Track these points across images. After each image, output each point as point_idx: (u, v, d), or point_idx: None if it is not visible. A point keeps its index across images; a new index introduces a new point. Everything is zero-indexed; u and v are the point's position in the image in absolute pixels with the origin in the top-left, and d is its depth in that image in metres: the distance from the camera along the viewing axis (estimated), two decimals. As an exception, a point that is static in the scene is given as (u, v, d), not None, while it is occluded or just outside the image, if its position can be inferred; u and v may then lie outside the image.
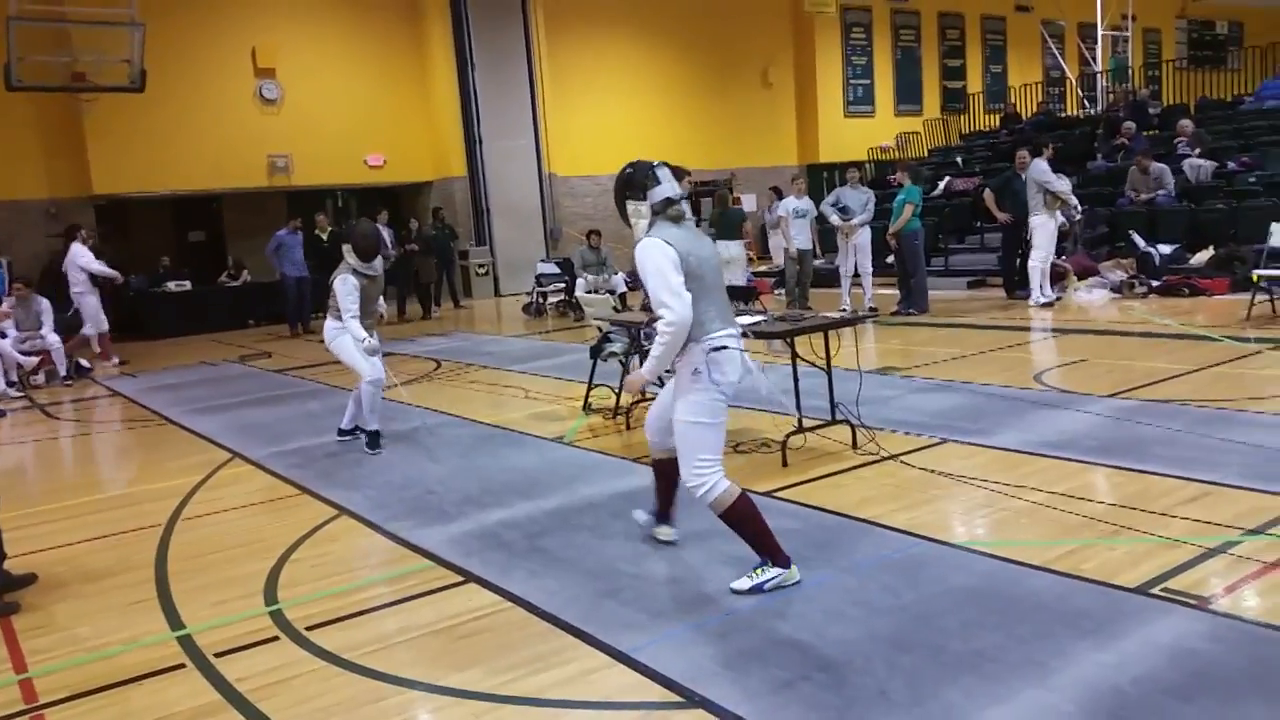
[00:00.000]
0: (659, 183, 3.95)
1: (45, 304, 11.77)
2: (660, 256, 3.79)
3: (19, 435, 8.85)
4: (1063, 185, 11.80)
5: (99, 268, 12.85)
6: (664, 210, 3.94)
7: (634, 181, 4.01)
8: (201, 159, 17.11)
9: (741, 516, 3.90)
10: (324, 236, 15.68)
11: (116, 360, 13.09)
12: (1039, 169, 11.74)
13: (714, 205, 14.12)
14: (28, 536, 5.34)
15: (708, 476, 3.85)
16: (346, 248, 6.73)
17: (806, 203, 12.68)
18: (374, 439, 6.82)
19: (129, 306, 16.15)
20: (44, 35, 14.60)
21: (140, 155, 16.55)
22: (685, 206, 4.06)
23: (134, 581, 4.64)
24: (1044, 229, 11.72)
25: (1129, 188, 14.12)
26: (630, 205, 4.02)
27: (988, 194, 12.91)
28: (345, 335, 6.72)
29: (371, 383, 6.72)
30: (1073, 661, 3.14)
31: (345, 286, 6.60)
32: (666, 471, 4.32)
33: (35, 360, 11.57)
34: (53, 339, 11.62)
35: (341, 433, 7.23)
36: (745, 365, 3.93)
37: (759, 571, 3.88)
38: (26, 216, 16.09)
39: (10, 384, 10.99)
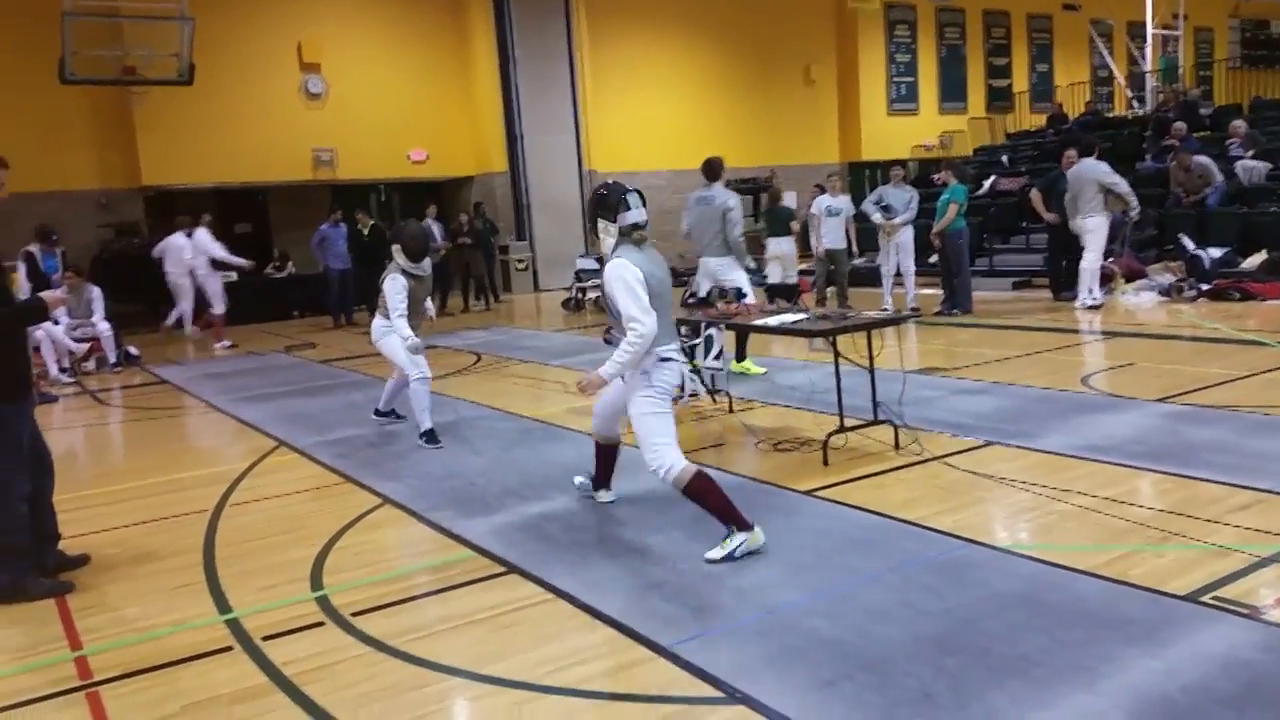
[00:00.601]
0: (629, 208, 4.44)
1: (96, 292, 12.03)
2: (630, 277, 4.26)
3: (70, 420, 9.03)
4: (1126, 185, 11.61)
5: (220, 253, 13.62)
6: (629, 234, 4.44)
7: (607, 204, 4.48)
8: (248, 152, 17.36)
9: (701, 491, 4.29)
10: (365, 231, 15.83)
11: (227, 343, 13.55)
12: (1100, 169, 11.49)
13: (766, 202, 14.15)
14: (80, 518, 5.46)
15: (664, 458, 4.28)
16: (396, 248, 6.78)
17: (841, 201, 12.55)
18: (431, 436, 6.76)
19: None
20: (97, 30, 14.89)
21: (188, 147, 16.82)
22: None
23: (183, 565, 4.72)
24: (1101, 230, 11.50)
25: (1174, 187, 13.87)
26: (601, 224, 4.50)
27: (1035, 194, 12.71)
28: (392, 334, 6.78)
29: (419, 380, 6.75)
30: (1121, 668, 3.10)
31: (394, 286, 6.68)
32: (606, 451, 5.11)
33: (86, 347, 11.82)
34: (103, 326, 11.86)
35: (378, 413, 7.49)
36: (683, 373, 4.54)
37: (727, 541, 4.23)
38: (78, 206, 16.40)
39: (62, 370, 11.24)
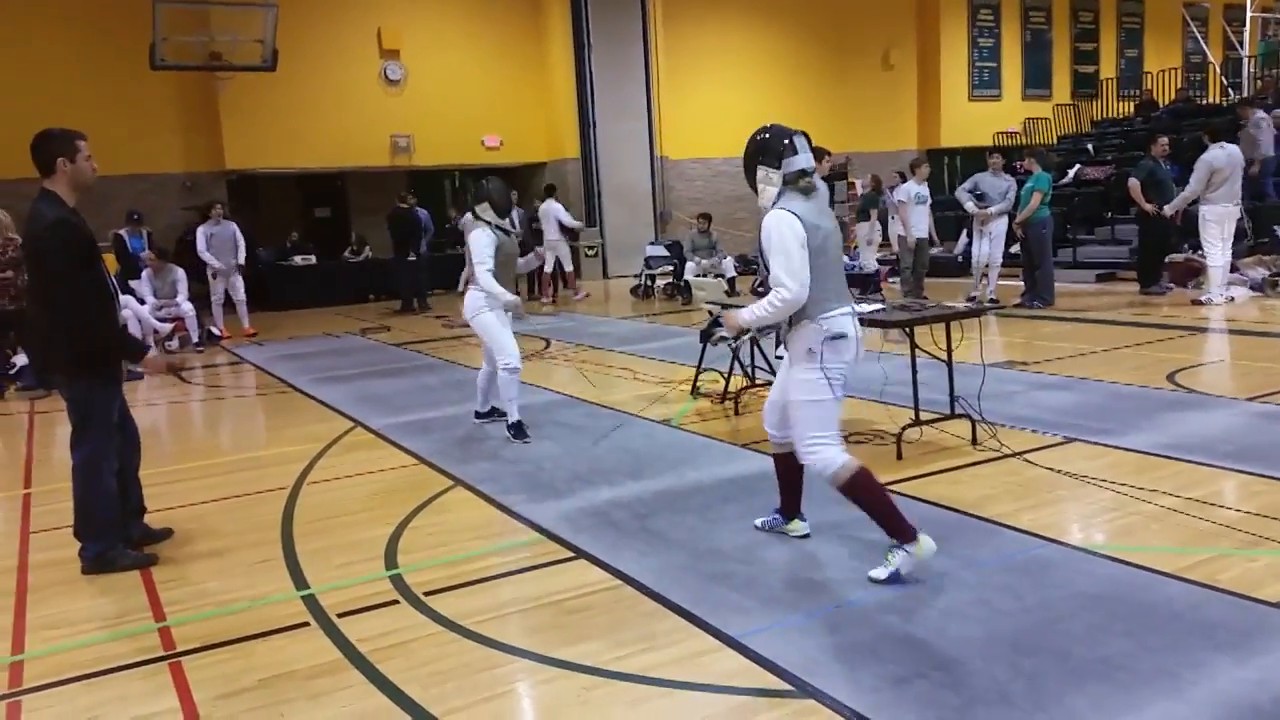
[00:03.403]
0: (795, 152, 3.83)
1: (180, 273, 12.38)
2: (789, 232, 3.71)
3: (154, 397, 9.32)
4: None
5: (567, 219, 15.67)
6: (795, 181, 3.84)
7: (769, 148, 3.87)
8: (328, 137, 17.68)
9: (862, 491, 3.79)
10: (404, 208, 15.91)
11: (582, 294, 15.92)
12: (1240, 154, 11.09)
13: (869, 188, 14.27)
14: (163, 493, 5.61)
15: (822, 451, 3.80)
16: (483, 205, 6.37)
17: (927, 189, 12.39)
18: (519, 429, 6.45)
19: (258, 278, 16.82)
20: (185, 16, 15.30)
21: (270, 132, 17.20)
22: (818, 179, 4.00)
23: (261, 541, 4.84)
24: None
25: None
26: (761, 172, 3.89)
27: (1133, 183, 12.03)
28: (488, 311, 6.38)
29: (508, 370, 6.38)
30: (1208, 675, 2.99)
31: (484, 238, 6.26)
32: (787, 465, 4.22)
33: (170, 326, 12.19)
34: (186, 307, 12.21)
35: (479, 415, 7.07)
36: (859, 348, 3.90)
37: (890, 557, 3.77)
38: (164, 189, 16.91)
39: (147, 348, 11.58)
